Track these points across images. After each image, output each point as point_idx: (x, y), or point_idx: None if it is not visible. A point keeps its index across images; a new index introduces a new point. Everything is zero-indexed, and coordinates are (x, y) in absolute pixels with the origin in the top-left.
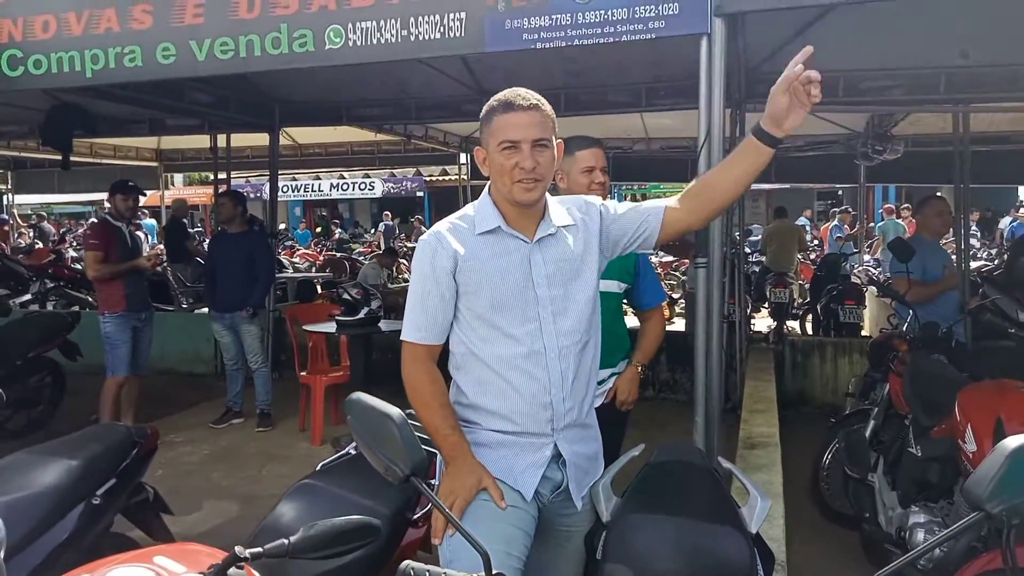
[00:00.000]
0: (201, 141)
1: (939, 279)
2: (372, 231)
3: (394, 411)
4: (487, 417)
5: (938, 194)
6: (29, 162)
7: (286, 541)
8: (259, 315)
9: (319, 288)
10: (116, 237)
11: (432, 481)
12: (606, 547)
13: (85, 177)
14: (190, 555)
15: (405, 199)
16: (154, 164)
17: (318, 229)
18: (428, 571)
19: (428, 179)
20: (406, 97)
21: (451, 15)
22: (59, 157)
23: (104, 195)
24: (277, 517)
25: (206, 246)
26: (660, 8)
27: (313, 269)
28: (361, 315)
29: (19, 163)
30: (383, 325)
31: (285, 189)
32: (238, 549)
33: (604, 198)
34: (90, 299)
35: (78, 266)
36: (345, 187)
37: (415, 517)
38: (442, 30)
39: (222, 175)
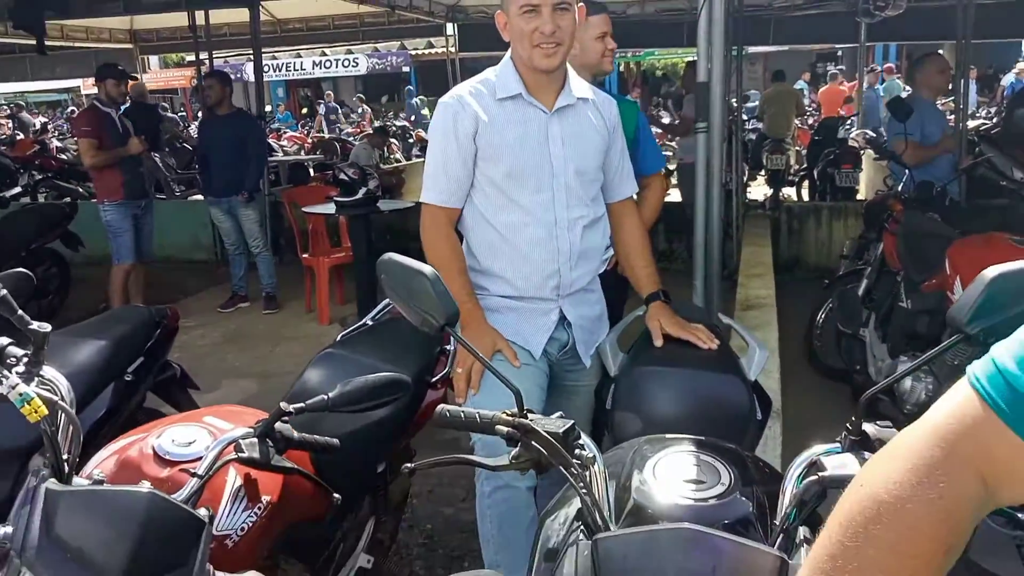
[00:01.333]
0: (176, 19)
1: (936, 139)
2: (359, 110)
3: (427, 268)
4: (496, 282)
5: (938, 51)
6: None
7: (325, 396)
8: (256, 198)
9: (312, 170)
10: (108, 123)
11: (447, 347)
12: (615, 398)
13: (59, 63)
14: (236, 414)
15: (390, 75)
16: (129, 46)
17: (303, 111)
18: (463, 412)
19: (413, 53)
20: None
21: None
22: (32, 41)
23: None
24: (305, 382)
25: (194, 131)
26: None
27: (302, 151)
28: (359, 195)
29: None
30: (382, 205)
31: (266, 69)
32: (283, 404)
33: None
34: (80, 189)
35: (64, 156)
36: (328, 64)
37: (434, 380)
38: None
39: (203, 56)
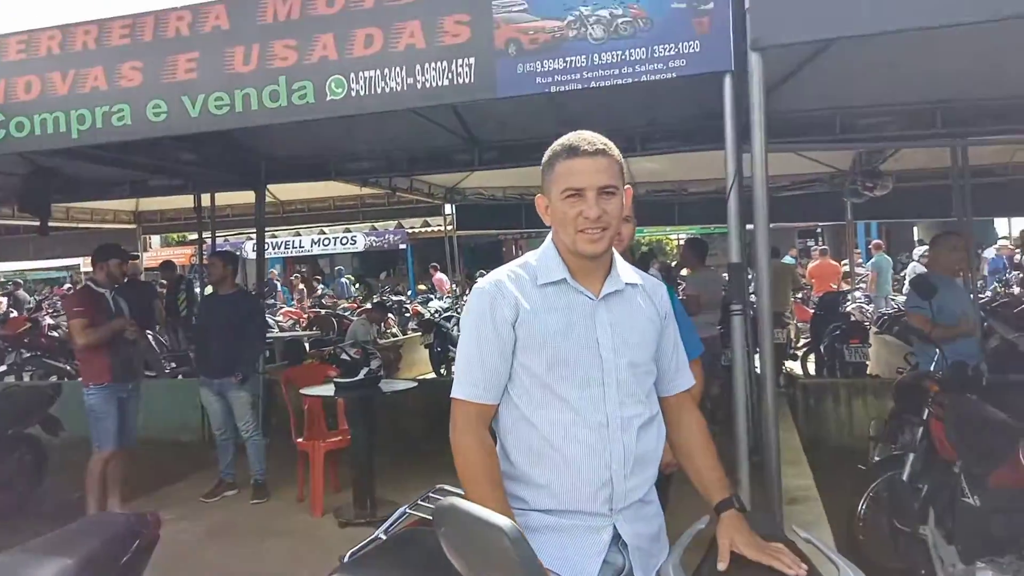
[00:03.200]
0: (180, 202)
1: (955, 316)
2: (356, 286)
3: (504, 522)
4: (536, 493)
5: (953, 231)
6: (3, 229)
7: None
8: (250, 380)
9: (308, 347)
10: (101, 304)
11: None
12: None
13: (61, 242)
14: None
15: (387, 252)
16: (132, 226)
17: (300, 287)
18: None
19: (410, 231)
20: (395, 149)
21: (459, 61)
22: (35, 223)
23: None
24: None
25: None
26: (680, 47)
27: (297, 327)
28: (361, 376)
29: None
30: (383, 386)
31: (266, 247)
32: None
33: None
34: (68, 368)
35: (55, 333)
36: (326, 242)
37: None
38: (450, 76)
39: (205, 235)
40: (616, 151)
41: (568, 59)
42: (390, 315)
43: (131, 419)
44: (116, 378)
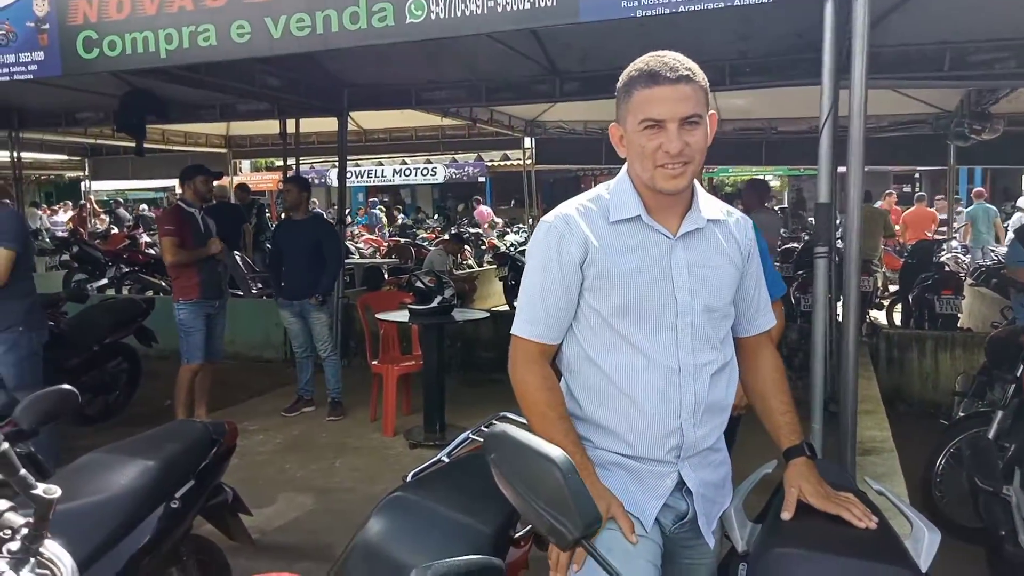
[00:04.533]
0: (269, 127)
1: None
2: (435, 216)
3: (556, 452)
4: (602, 435)
5: None
6: (104, 149)
7: None
8: (328, 302)
9: (386, 274)
10: (190, 223)
11: None
12: None
13: (157, 164)
14: None
15: (466, 184)
16: (223, 150)
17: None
18: None
19: (489, 164)
20: (475, 78)
21: None
22: (133, 144)
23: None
24: (369, 535)
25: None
26: None
27: (377, 254)
28: (435, 304)
29: (95, 150)
30: (456, 314)
31: (349, 175)
32: None
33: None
34: (164, 284)
35: (152, 251)
36: (407, 172)
37: (517, 536)
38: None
39: (290, 161)
40: (700, 75)
41: None
42: (466, 247)
43: (218, 334)
44: (204, 295)
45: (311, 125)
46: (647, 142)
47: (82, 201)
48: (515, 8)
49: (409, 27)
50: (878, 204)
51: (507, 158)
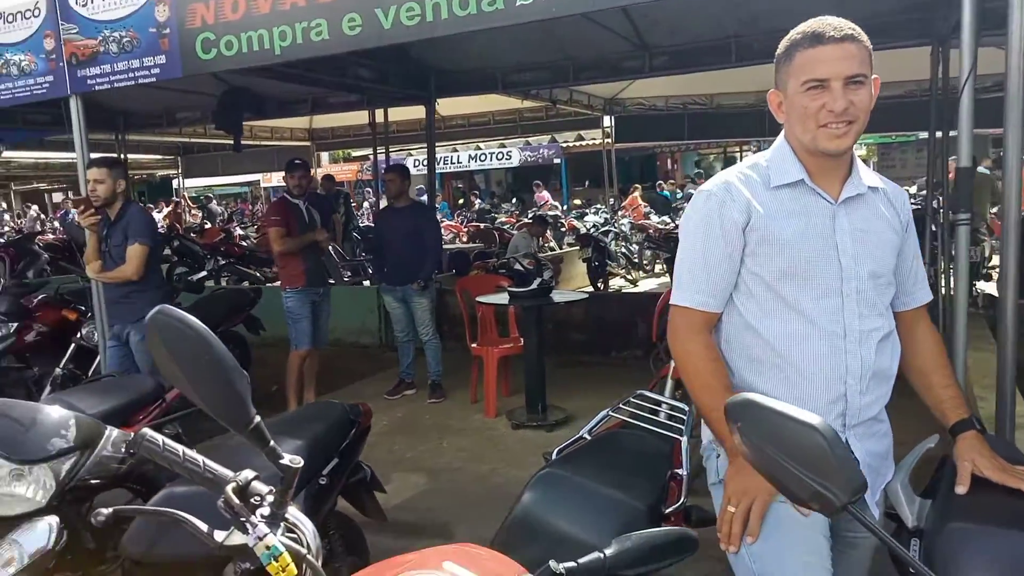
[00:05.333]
0: (349, 119)
1: None
2: (513, 200)
3: (817, 419)
4: None
5: None
6: (196, 147)
7: (602, 555)
8: (429, 287)
9: (472, 259)
10: (295, 214)
11: (679, 471)
12: (930, 562)
13: (244, 159)
14: (475, 560)
15: (542, 167)
16: (307, 143)
17: (460, 201)
18: None
19: (564, 145)
20: (562, 58)
21: None
22: (223, 141)
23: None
24: (527, 510)
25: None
26: None
27: (457, 240)
28: (534, 286)
29: (187, 148)
30: (555, 296)
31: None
32: (552, 564)
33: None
34: (258, 274)
35: (245, 243)
36: (482, 157)
37: (667, 512)
38: None
39: (379, 150)
40: (864, 36)
41: None
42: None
43: (323, 321)
44: (310, 282)
45: (392, 114)
46: (810, 102)
47: (176, 198)
48: None
49: (519, 9)
50: (981, 168)
51: (581, 138)
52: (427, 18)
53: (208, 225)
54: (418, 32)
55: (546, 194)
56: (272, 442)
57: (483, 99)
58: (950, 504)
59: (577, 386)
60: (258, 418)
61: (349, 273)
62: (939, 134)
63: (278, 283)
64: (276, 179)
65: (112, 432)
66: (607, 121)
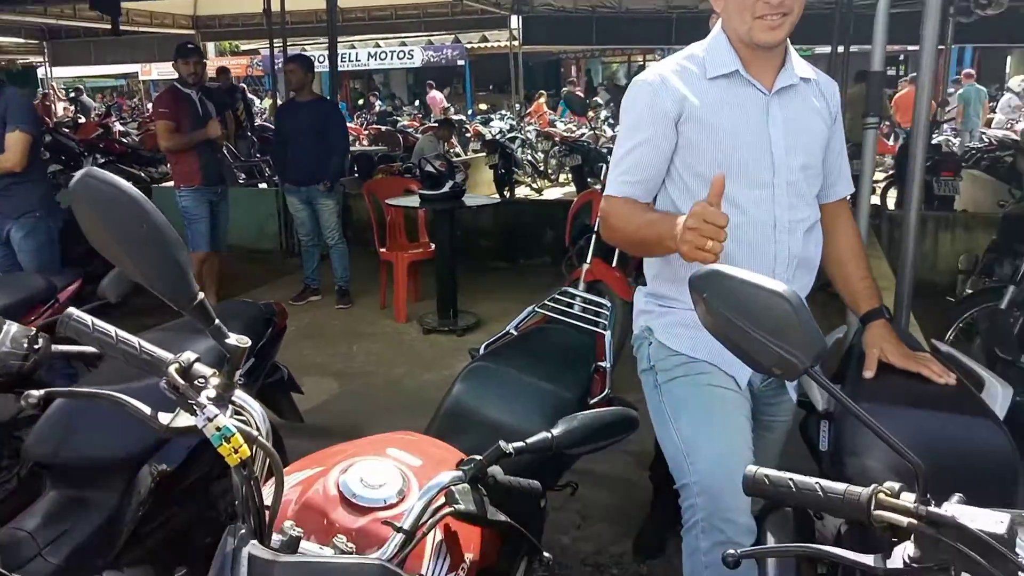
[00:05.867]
0: (239, 5)
1: None
2: (416, 103)
3: (782, 287)
4: None
5: None
6: (64, 31)
7: (549, 435)
8: (335, 189)
9: (376, 162)
10: (187, 106)
11: (602, 364)
12: (836, 441)
13: (120, 48)
14: (417, 445)
15: (445, 68)
16: (191, 32)
17: (359, 101)
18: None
19: (468, 47)
20: None
21: None
22: (95, 25)
23: (137, 67)
24: (458, 401)
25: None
26: None
27: (357, 143)
28: (446, 189)
29: (53, 33)
30: (467, 200)
31: (321, 58)
32: (502, 444)
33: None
34: (143, 175)
35: (126, 140)
36: (382, 56)
37: (593, 401)
38: None
39: (276, 42)
40: None
41: None
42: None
43: (222, 222)
44: (207, 180)
45: (289, 2)
46: None
47: (44, 89)
48: None
49: None
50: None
51: (486, 40)
52: None
53: (82, 120)
54: None
55: (437, 94)
56: (217, 320)
57: None
58: (857, 388)
59: (487, 292)
60: (201, 294)
61: (244, 175)
62: (840, 48)
63: (167, 183)
64: (156, 71)
65: (11, 327)
66: (515, 22)
